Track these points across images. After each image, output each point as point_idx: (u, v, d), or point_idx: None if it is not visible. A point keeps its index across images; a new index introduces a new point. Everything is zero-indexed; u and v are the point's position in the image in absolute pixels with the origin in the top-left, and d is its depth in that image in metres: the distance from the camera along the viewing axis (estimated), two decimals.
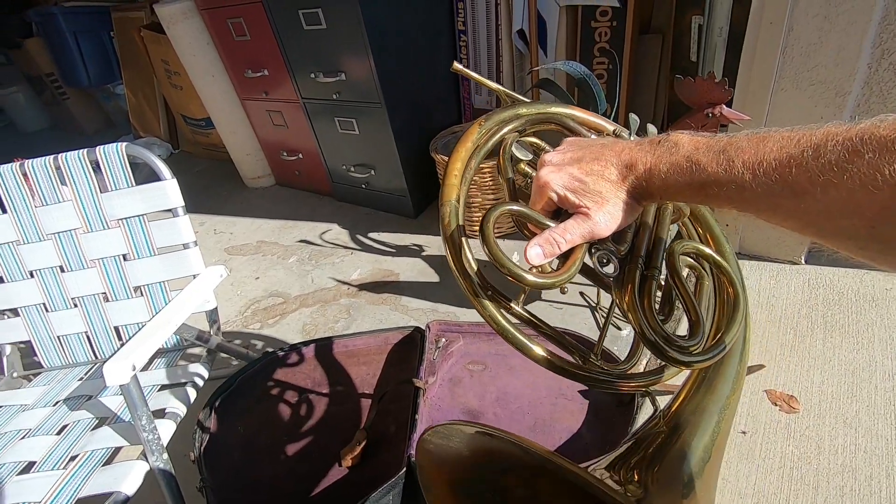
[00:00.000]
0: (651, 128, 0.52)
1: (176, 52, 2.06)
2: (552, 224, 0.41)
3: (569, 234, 0.40)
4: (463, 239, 0.47)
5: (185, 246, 1.09)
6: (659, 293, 0.45)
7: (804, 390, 0.99)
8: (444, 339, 1.14)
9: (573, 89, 1.58)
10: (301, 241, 1.86)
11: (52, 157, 1.05)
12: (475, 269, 0.47)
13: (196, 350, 1.11)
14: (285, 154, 2.12)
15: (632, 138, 0.50)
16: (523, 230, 0.45)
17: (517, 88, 1.78)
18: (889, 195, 0.25)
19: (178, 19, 1.92)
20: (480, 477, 0.46)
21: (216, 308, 1.15)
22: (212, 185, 2.47)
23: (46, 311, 1.13)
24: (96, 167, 1.05)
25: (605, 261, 0.43)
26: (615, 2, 1.46)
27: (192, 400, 0.99)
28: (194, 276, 1.08)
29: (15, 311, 1.14)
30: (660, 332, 0.40)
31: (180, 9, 1.90)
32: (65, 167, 1.05)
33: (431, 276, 1.54)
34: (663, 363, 0.44)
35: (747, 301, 0.47)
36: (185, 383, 1.01)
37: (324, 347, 1.20)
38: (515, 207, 0.42)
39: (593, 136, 0.52)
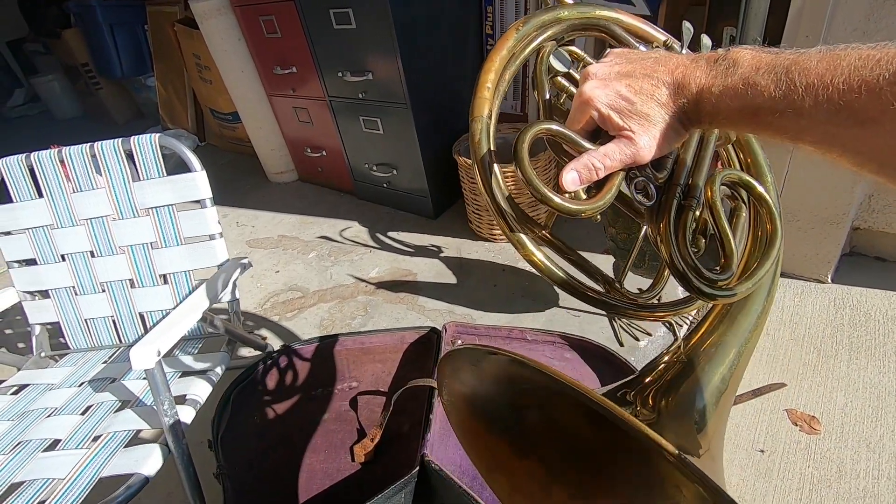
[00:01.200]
0: (706, 39, 0.45)
1: (208, 47, 2.10)
2: (592, 147, 0.37)
3: (609, 159, 0.36)
4: (495, 165, 0.44)
5: (211, 237, 1.11)
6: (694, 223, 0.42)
7: (826, 411, 0.97)
8: (459, 341, 1.14)
9: None
10: (321, 237, 1.89)
11: (88, 145, 1.08)
12: (505, 193, 0.44)
13: (217, 339, 1.13)
14: (309, 150, 2.15)
15: (684, 51, 0.45)
16: (559, 154, 0.42)
17: None
18: None
19: (211, 15, 1.96)
20: (499, 399, 0.46)
21: (238, 299, 1.17)
22: (236, 179, 2.51)
23: (75, 294, 1.16)
24: (130, 156, 1.08)
25: (642, 189, 0.40)
26: (646, 10, 1.45)
27: (212, 388, 1.01)
28: (218, 267, 1.10)
29: (45, 293, 1.17)
30: (690, 264, 0.38)
31: (214, 5, 1.94)
32: (100, 155, 1.08)
33: (449, 278, 1.55)
34: (687, 295, 0.43)
35: (783, 237, 0.44)
36: (206, 371, 1.03)
37: (340, 343, 1.22)
38: (555, 127, 0.38)
39: (642, 48, 0.46)
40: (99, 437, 0.90)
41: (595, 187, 0.38)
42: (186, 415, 0.92)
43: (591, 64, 0.41)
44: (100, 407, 0.98)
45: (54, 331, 1.21)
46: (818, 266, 1.25)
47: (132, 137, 1.07)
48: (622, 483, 0.43)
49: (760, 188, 0.42)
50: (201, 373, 1.03)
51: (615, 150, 0.36)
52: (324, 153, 2.11)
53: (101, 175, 1.09)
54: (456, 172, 1.69)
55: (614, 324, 1.27)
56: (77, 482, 0.81)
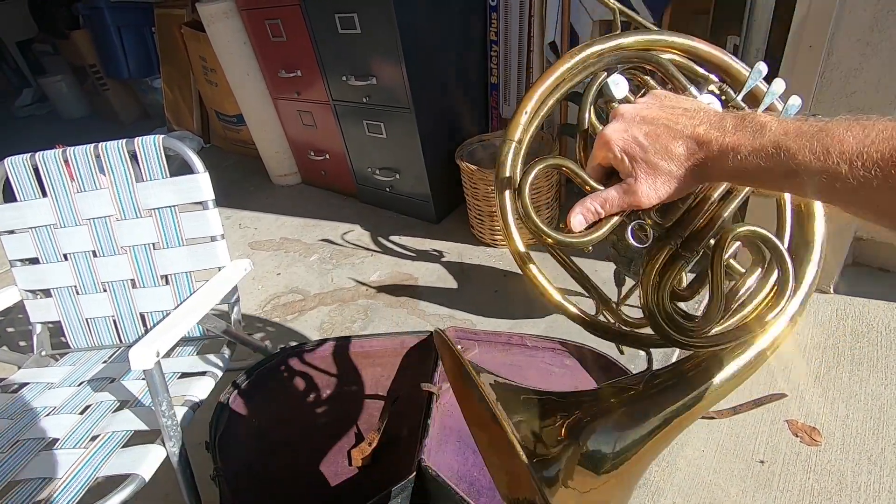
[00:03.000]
0: (779, 85, 0.42)
1: (214, 50, 2.12)
2: (597, 187, 0.40)
3: (608, 204, 0.39)
4: (510, 191, 0.45)
5: (213, 238, 1.11)
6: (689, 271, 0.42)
7: (828, 423, 0.96)
8: (459, 346, 1.14)
9: None
10: (323, 239, 1.89)
11: (92, 145, 1.09)
12: (522, 212, 0.43)
13: (217, 341, 1.13)
14: (313, 154, 2.15)
15: (747, 86, 0.44)
16: (575, 182, 0.43)
17: None
18: None
19: (218, 18, 1.98)
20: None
21: (238, 301, 1.17)
22: (239, 180, 2.52)
23: (77, 293, 1.17)
24: (133, 157, 1.09)
25: (637, 232, 0.41)
26: (650, 18, 1.45)
27: (211, 390, 1.01)
28: (220, 269, 1.11)
29: (47, 292, 1.18)
30: (662, 309, 0.40)
31: (221, 8, 1.95)
32: (104, 156, 1.08)
33: (450, 283, 1.55)
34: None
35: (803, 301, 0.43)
36: (205, 373, 1.03)
37: (340, 346, 1.21)
38: (563, 163, 0.41)
39: (692, 90, 0.44)
40: (97, 436, 0.90)
41: (596, 223, 0.40)
42: (185, 416, 0.92)
43: (627, 103, 0.41)
44: (98, 406, 0.98)
45: (56, 329, 1.21)
46: (821, 276, 1.24)
47: (136, 139, 1.08)
48: None
49: (783, 251, 0.39)
50: (201, 374, 1.03)
51: (615, 196, 0.39)
52: (327, 156, 2.11)
53: (104, 175, 1.10)
54: (458, 177, 1.69)
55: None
56: (74, 481, 0.81)
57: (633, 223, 0.41)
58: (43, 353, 1.20)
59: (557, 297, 0.46)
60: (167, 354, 1.13)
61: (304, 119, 2.07)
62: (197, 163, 1.09)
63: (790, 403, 1.01)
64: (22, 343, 1.64)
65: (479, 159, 1.75)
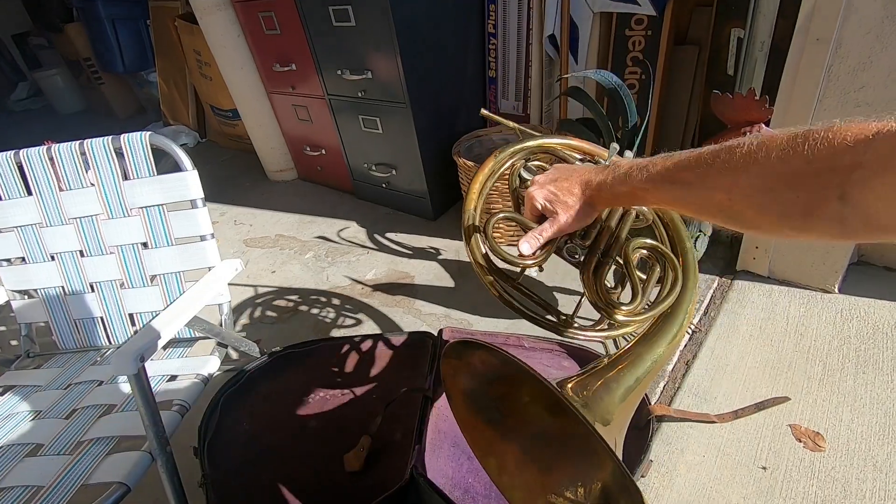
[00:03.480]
0: (615, 146, 0.70)
1: (207, 43, 2.08)
2: (534, 225, 0.61)
3: (545, 232, 0.60)
4: (476, 234, 0.69)
5: (203, 238, 1.09)
6: (611, 274, 0.67)
7: (831, 428, 0.94)
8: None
9: (602, 99, 1.55)
10: (319, 237, 1.86)
11: (77, 142, 1.06)
12: (484, 252, 0.69)
13: (207, 342, 1.11)
14: (308, 149, 2.12)
15: (609, 161, 0.67)
16: (521, 227, 0.64)
17: (545, 95, 1.75)
18: (744, 182, 0.39)
19: (211, 10, 1.94)
20: (480, 387, 0.60)
21: (230, 301, 1.15)
22: (235, 176, 2.49)
23: (65, 294, 1.14)
24: (120, 155, 1.06)
25: (571, 252, 0.64)
26: (651, 10, 1.41)
27: (200, 393, 0.98)
28: (210, 269, 1.08)
29: (35, 293, 1.15)
30: (603, 300, 0.60)
31: (214, 0, 1.91)
32: (90, 153, 1.06)
33: (447, 281, 1.52)
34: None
35: (691, 285, 0.63)
36: (195, 376, 1.01)
37: (334, 347, 1.19)
38: (510, 215, 0.65)
39: (577, 161, 0.72)
40: (83, 442, 0.88)
41: (540, 249, 0.61)
42: (172, 421, 0.89)
43: (539, 174, 0.64)
44: (85, 411, 0.95)
45: (44, 329, 1.19)
46: (825, 275, 1.22)
47: (122, 135, 1.05)
48: (570, 457, 0.57)
49: (667, 252, 0.63)
50: (190, 377, 1.01)
51: (547, 226, 0.59)
52: (323, 152, 2.08)
53: (90, 173, 1.07)
54: (456, 173, 1.66)
55: None
56: (57, 490, 0.79)
57: (566, 246, 0.63)
58: (31, 354, 1.17)
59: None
60: (155, 357, 1.11)
61: (299, 114, 2.04)
62: (185, 160, 1.06)
63: (793, 407, 0.99)
64: (14, 342, 1.62)
65: (477, 155, 1.71)
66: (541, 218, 0.61)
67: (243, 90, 2.13)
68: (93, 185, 1.07)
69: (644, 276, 0.63)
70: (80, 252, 1.11)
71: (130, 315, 1.14)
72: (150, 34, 3.11)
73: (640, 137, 1.10)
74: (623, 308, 0.60)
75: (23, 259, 1.13)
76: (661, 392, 1.07)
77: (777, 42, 1.18)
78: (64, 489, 0.79)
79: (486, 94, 1.87)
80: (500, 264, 0.68)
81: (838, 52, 1.00)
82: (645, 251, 0.64)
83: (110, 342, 1.16)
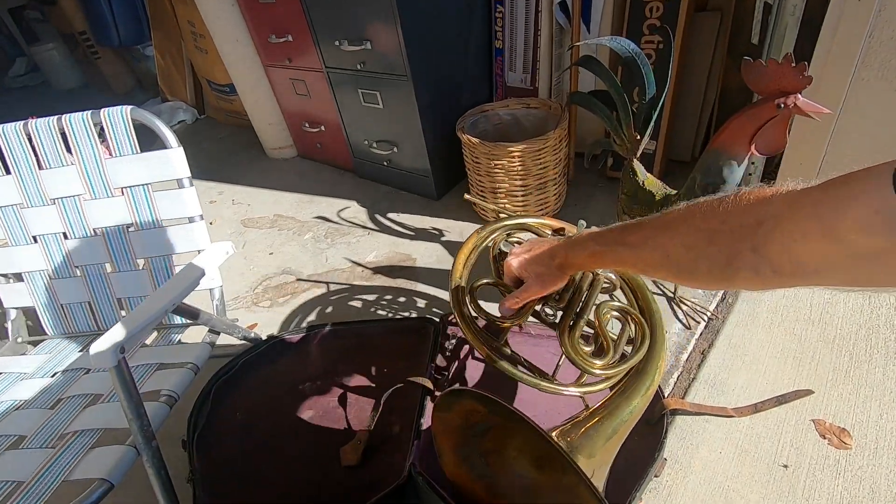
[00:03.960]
0: (582, 223, 0.87)
1: (201, 14, 1.99)
2: (514, 289, 0.71)
3: (520, 295, 0.69)
4: (465, 297, 0.78)
5: (191, 220, 1.03)
6: (590, 331, 0.76)
7: (858, 423, 0.88)
8: (458, 336, 1.06)
9: (616, 70, 1.45)
10: (318, 217, 1.80)
11: (55, 117, 1.00)
12: (472, 315, 0.77)
13: (199, 328, 1.06)
14: (307, 125, 2.04)
15: (577, 230, 0.82)
16: (501, 292, 0.76)
17: (555, 67, 1.65)
18: (677, 241, 0.46)
19: None
20: (469, 442, 0.65)
21: (221, 286, 1.10)
22: (233, 153, 2.42)
23: (50, 278, 1.09)
24: (101, 131, 0.99)
25: (550, 312, 0.74)
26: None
27: (190, 382, 0.94)
28: (199, 252, 1.02)
29: (19, 276, 1.11)
30: (578, 355, 0.67)
31: None
32: (69, 129, 0.99)
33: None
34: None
35: (659, 343, 0.72)
36: (185, 364, 0.96)
37: (332, 334, 1.14)
38: (492, 281, 0.78)
39: (549, 234, 0.85)
40: (66, 434, 0.84)
41: (517, 310, 0.71)
42: (160, 413, 0.85)
43: (514, 247, 0.73)
44: (70, 401, 0.91)
45: (33, 314, 1.14)
46: None
47: (102, 110, 0.99)
48: None
49: (636, 314, 0.74)
50: (179, 366, 0.96)
51: (523, 290, 0.68)
52: (322, 128, 2.00)
53: (71, 150, 1.01)
54: (460, 151, 1.58)
55: (672, 305, 1.18)
56: (38, 485, 0.75)
57: (543, 306, 0.73)
58: (19, 340, 1.13)
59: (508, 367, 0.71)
60: (145, 344, 1.06)
61: (297, 88, 1.95)
62: (170, 137, 1.00)
63: (817, 401, 0.93)
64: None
65: (482, 131, 1.63)
66: (517, 283, 0.71)
67: (239, 63, 2.04)
68: (73, 163, 1.01)
69: (615, 336, 0.72)
70: (64, 234, 1.06)
71: (119, 300, 1.09)
72: (144, 5, 3.00)
73: (657, 112, 1.02)
74: (596, 363, 0.67)
75: (5, 242, 1.08)
76: (675, 383, 1.02)
77: (811, 6, 1.08)
78: (45, 485, 0.75)
79: (492, 67, 1.77)
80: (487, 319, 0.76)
81: (881, 16, 0.90)
82: (616, 312, 0.75)
83: (99, 328, 1.11)
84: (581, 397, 0.70)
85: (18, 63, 4.76)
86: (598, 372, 0.67)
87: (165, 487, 0.81)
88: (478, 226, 1.67)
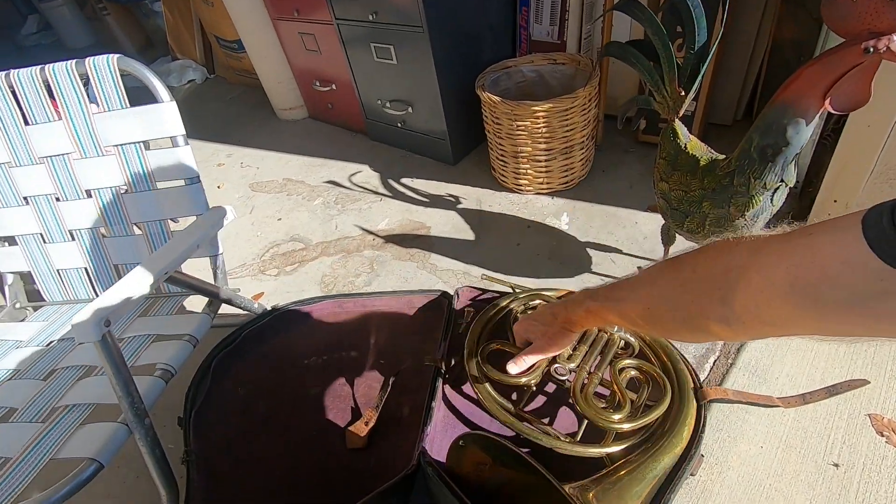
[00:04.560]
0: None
1: None
2: (521, 350, 0.73)
3: (527, 356, 0.72)
4: (473, 361, 0.79)
5: (188, 181, 0.95)
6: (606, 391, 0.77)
7: None
8: (473, 311, 0.98)
9: (658, 13, 1.30)
10: (329, 181, 1.71)
11: (38, 67, 0.92)
12: (483, 377, 0.78)
13: (199, 298, 1.00)
14: (318, 84, 1.93)
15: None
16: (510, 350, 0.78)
17: (585, 17, 1.50)
18: (655, 292, 0.49)
19: None
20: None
21: (222, 254, 1.03)
22: (243, 115, 2.32)
23: (44, 241, 1.04)
24: (87, 82, 0.91)
25: (560, 370, 0.75)
26: None
27: (189, 355, 0.88)
28: (197, 217, 0.95)
29: (13, 240, 1.05)
30: (591, 408, 0.69)
31: None
32: (52, 80, 0.91)
33: (466, 233, 1.37)
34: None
35: (686, 400, 0.72)
36: (182, 336, 0.90)
37: (341, 305, 1.07)
38: (501, 344, 0.80)
39: (554, 300, 0.87)
40: (57, 408, 0.79)
41: (526, 369, 0.73)
42: (155, 388, 0.80)
43: (526, 314, 0.82)
44: (63, 373, 0.87)
45: (30, 278, 1.10)
46: None
47: (87, 59, 0.90)
48: None
49: (655, 372, 0.76)
50: (177, 338, 0.90)
51: (529, 351, 0.72)
52: (333, 87, 1.89)
53: (58, 106, 0.93)
54: (479, 111, 1.47)
55: None
56: (26, 462, 0.71)
57: (554, 366, 0.75)
58: (17, 306, 1.09)
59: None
60: (143, 314, 1.01)
61: (306, 43, 1.83)
62: (161, 90, 0.91)
63: (873, 393, 0.83)
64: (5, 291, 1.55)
65: (504, 89, 1.50)
66: (526, 345, 0.74)
67: (245, 16, 1.92)
68: (60, 118, 0.93)
69: (635, 396, 0.73)
70: (56, 197, 1.00)
71: (116, 266, 1.03)
72: None
73: (706, 64, 0.89)
74: (614, 417, 0.68)
75: None
76: (711, 369, 0.93)
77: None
78: (32, 462, 0.71)
79: (515, 19, 1.62)
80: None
81: None
82: (633, 371, 0.76)
83: (97, 294, 1.06)
84: (603, 457, 0.68)
85: (30, 21, 4.66)
86: (615, 426, 0.68)
87: (161, 467, 0.77)
88: (500, 194, 1.57)
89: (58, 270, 1.05)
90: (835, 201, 1.08)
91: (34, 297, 1.10)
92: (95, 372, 0.86)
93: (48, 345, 0.95)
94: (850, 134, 1.00)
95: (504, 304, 0.90)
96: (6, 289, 1.09)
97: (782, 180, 0.76)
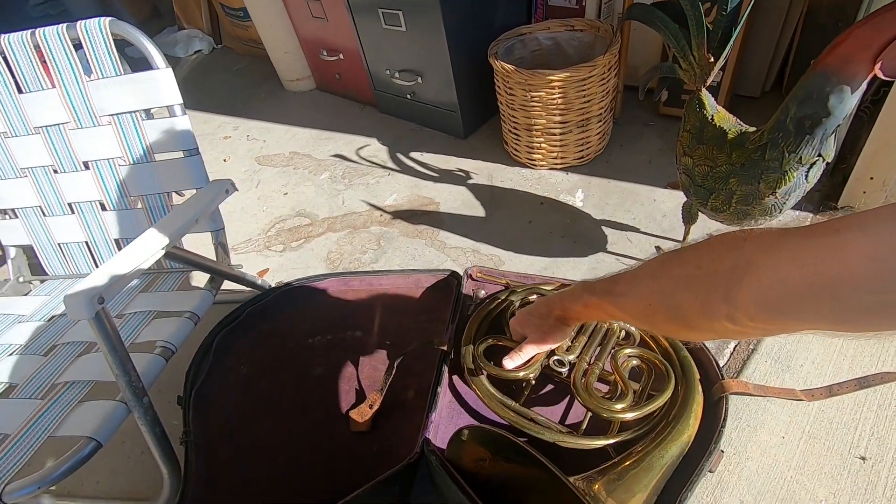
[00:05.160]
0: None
1: None
2: (517, 345, 0.71)
3: (524, 350, 0.69)
4: (469, 356, 0.79)
5: (187, 153, 0.92)
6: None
7: None
8: (483, 292, 0.94)
9: None
10: (336, 155, 1.67)
11: (28, 31, 0.87)
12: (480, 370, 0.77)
13: (202, 274, 0.97)
14: (325, 53, 1.86)
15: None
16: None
17: None
18: (656, 288, 0.46)
19: None
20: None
21: (223, 228, 1.00)
22: (249, 86, 2.27)
23: (44, 214, 1.01)
24: (78, 47, 0.87)
25: (556, 364, 0.74)
26: None
27: (190, 332, 0.86)
28: (197, 190, 0.92)
29: (14, 213, 1.03)
30: (593, 398, 0.69)
31: None
32: (44, 45, 0.87)
33: (477, 210, 1.32)
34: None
35: (692, 387, 0.71)
36: (183, 313, 0.88)
37: (347, 283, 1.04)
38: (493, 340, 0.78)
39: (553, 293, 0.75)
40: (56, 385, 0.78)
41: (523, 363, 0.71)
42: (155, 366, 0.78)
43: (523, 308, 0.76)
44: (64, 349, 0.85)
45: (33, 253, 1.08)
46: None
47: (78, 22, 0.85)
48: None
49: (656, 360, 0.75)
50: (177, 315, 0.88)
51: (525, 344, 0.70)
52: (341, 56, 1.82)
53: (50, 72, 0.89)
54: (491, 82, 1.40)
55: None
56: (24, 439, 0.70)
57: (553, 359, 0.75)
58: (20, 280, 1.08)
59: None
60: (146, 288, 0.99)
61: (312, 9, 1.76)
62: (156, 56, 0.86)
63: None
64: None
65: (519, 58, 1.43)
66: (522, 340, 0.71)
67: None
68: (53, 86, 0.90)
69: (637, 385, 0.72)
70: (53, 169, 0.97)
71: (116, 240, 1.01)
72: None
73: (738, 28, 0.82)
74: (616, 406, 0.67)
75: None
76: (731, 355, 0.89)
77: None
78: (30, 440, 0.70)
79: None
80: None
81: None
82: (635, 360, 0.76)
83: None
84: (608, 448, 0.67)
85: None
86: (618, 416, 0.67)
87: (161, 445, 0.75)
88: (513, 169, 1.52)
89: (59, 244, 1.03)
90: (871, 178, 1.01)
91: (38, 270, 1.09)
92: (95, 349, 0.84)
93: (50, 319, 0.94)
94: (894, 104, 0.92)
95: (502, 298, 0.88)
96: (9, 262, 1.08)
97: (819, 155, 0.70)
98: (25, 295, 1.04)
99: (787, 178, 0.73)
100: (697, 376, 0.73)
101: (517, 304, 0.87)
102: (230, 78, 2.41)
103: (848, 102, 0.64)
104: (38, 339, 0.89)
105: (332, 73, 1.94)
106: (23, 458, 0.68)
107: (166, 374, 0.80)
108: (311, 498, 0.73)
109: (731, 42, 0.83)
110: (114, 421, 0.71)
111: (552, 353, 0.75)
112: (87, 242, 1.02)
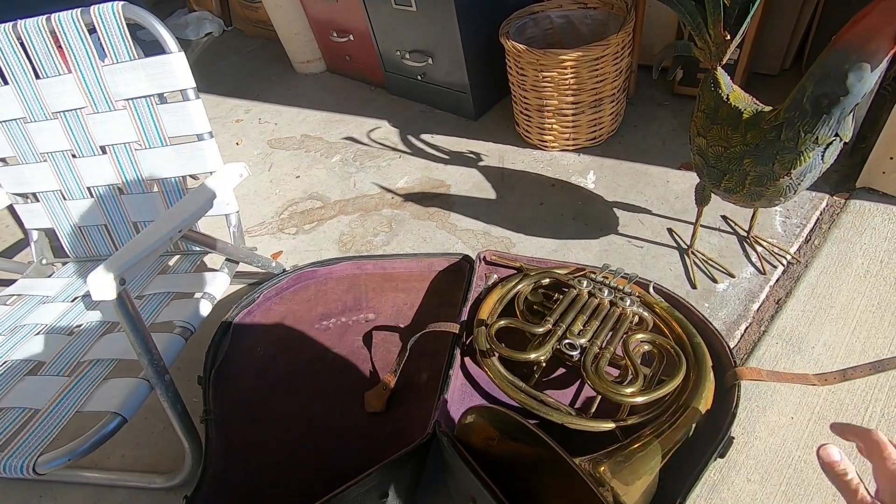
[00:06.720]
0: (605, 269, 0.89)
1: None
2: (530, 326, 0.78)
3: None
4: (484, 338, 0.79)
5: (200, 137, 0.93)
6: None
7: None
8: (495, 276, 0.95)
9: None
10: (347, 137, 1.67)
11: (45, 17, 0.88)
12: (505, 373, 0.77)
13: (217, 256, 0.99)
14: (335, 34, 1.85)
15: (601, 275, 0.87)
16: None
17: None
18: None
19: None
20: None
21: (238, 212, 1.01)
22: (260, 69, 2.26)
23: (64, 198, 1.04)
24: (92, 31, 0.87)
25: (568, 348, 0.75)
26: None
27: (207, 313, 0.89)
28: (211, 174, 0.93)
29: (35, 196, 1.06)
30: (603, 381, 0.69)
31: None
32: (59, 30, 0.88)
33: (488, 192, 1.32)
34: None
35: (704, 374, 0.72)
36: (201, 294, 0.91)
37: (360, 267, 1.06)
38: (505, 322, 0.80)
39: (574, 281, 0.85)
40: (82, 363, 0.81)
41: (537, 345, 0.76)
42: (174, 345, 0.81)
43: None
44: (88, 328, 0.88)
45: (55, 236, 1.11)
46: None
47: (92, 7, 0.86)
48: None
49: (667, 344, 0.76)
50: (195, 295, 0.91)
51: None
52: (351, 37, 1.81)
53: (66, 57, 0.90)
54: (502, 63, 1.38)
55: (687, 260, 1.03)
56: (54, 414, 0.73)
57: (564, 342, 0.75)
58: (43, 262, 1.11)
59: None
60: (164, 270, 1.01)
61: None
62: (169, 40, 0.87)
63: None
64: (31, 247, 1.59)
65: (531, 38, 1.41)
66: None
67: None
68: (70, 71, 0.91)
69: (648, 370, 0.73)
70: (72, 154, 0.99)
71: (135, 223, 1.03)
72: None
73: (757, 4, 0.80)
74: (626, 390, 0.68)
75: (15, 159, 1.02)
76: (742, 336, 0.89)
77: None
78: (59, 415, 0.73)
79: None
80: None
81: None
82: (646, 345, 0.77)
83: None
84: (616, 431, 0.68)
85: None
86: (627, 399, 0.67)
87: (183, 421, 0.78)
88: (524, 151, 1.51)
89: (79, 227, 1.06)
90: (892, 158, 0.98)
91: (61, 253, 1.12)
92: (118, 328, 0.87)
93: (73, 300, 0.97)
94: None
95: (515, 281, 0.90)
96: (32, 245, 1.11)
97: (837, 134, 0.69)
98: (49, 276, 1.07)
99: (802, 158, 0.72)
100: (710, 363, 0.73)
101: (529, 287, 0.89)
102: (241, 60, 2.40)
103: (867, 81, 0.63)
104: (63, 318, 0.92)
105: (343, 54, 1.93)
106: (53, 431, 0.71)
107: (185, 352, 0.83)
108: (326, 475, 0.75)
109: (749, 18, 0.81)
110: (137, 397, 0.74)
111: (564, 335, 0.76)
112: (105, 225, 1.05)
